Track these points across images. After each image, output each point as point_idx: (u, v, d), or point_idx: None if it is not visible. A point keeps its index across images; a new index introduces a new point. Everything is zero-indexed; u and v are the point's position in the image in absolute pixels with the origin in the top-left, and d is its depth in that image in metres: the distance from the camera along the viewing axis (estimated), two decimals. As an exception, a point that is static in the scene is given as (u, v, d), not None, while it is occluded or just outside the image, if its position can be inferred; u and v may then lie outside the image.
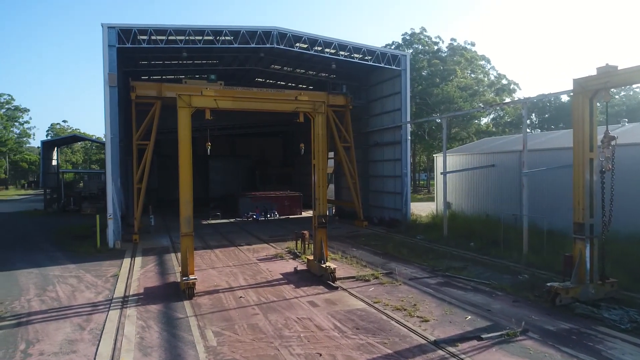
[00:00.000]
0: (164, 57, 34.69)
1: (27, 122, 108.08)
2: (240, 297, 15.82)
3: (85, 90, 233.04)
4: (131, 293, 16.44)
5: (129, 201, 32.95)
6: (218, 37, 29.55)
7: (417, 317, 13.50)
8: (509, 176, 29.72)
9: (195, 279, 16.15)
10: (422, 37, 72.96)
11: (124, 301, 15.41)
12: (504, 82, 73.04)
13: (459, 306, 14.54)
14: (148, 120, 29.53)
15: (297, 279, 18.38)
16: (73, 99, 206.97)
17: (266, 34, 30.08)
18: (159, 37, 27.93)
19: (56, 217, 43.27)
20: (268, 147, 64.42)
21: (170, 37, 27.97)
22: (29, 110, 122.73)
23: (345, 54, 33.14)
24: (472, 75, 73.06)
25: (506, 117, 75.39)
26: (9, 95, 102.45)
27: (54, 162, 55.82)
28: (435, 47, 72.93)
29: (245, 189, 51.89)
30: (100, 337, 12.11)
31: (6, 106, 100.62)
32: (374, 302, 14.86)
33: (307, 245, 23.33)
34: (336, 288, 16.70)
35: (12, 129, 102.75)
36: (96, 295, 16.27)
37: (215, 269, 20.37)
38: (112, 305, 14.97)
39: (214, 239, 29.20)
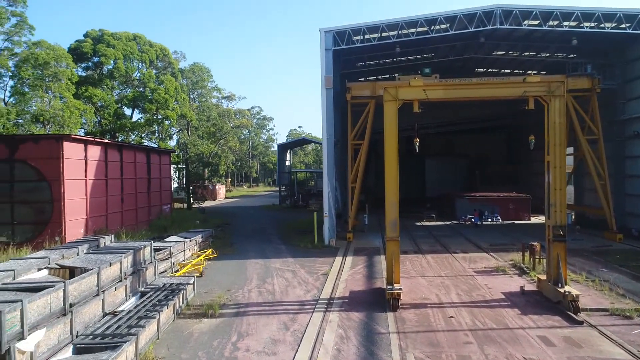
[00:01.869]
0: (378, 56, 34.70)
1: (271, 129, 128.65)
2: (451, 317, 13.57)
3: (318, 97, 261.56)
4: (337, 295, 16.06)
5: (347, 199, 33.97)
6: (432, 27, 27.65)
7: None
8: None
9: (400, 289, 14.66)
10: None
11: (329, 303, 15.04)
12: None
13: None
14: (362, 120, 29.63)
15: (523, 302, 14.99)
16: (308, 105, 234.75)
17: (487, 15, 26.64)
18: (371, 36, 27.84)
19: (287, 212, 48.54)
20: (489, 143, 58.42)
21: (382, 34, 27.58)
22: (273, 118, 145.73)
23: (592, 24, 26.76)
24: None
25: None
26: (259, 107, 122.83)
27: (287, 163, 63.12)
28: None
29: (463, 190, 48.26)
30: (301, 341, 11.75)
31: (257, 116, 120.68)
32: (643, 354, 10.61)
33: (537, 260, 19.25)
34: (580, 323, 12.77)
35: (261, 135, 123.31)
36: (305, 293, 16.46)
37: (425, 278, 18.53)
38: (317, 306, 14.75)
39: (426, 242, 27.37)
